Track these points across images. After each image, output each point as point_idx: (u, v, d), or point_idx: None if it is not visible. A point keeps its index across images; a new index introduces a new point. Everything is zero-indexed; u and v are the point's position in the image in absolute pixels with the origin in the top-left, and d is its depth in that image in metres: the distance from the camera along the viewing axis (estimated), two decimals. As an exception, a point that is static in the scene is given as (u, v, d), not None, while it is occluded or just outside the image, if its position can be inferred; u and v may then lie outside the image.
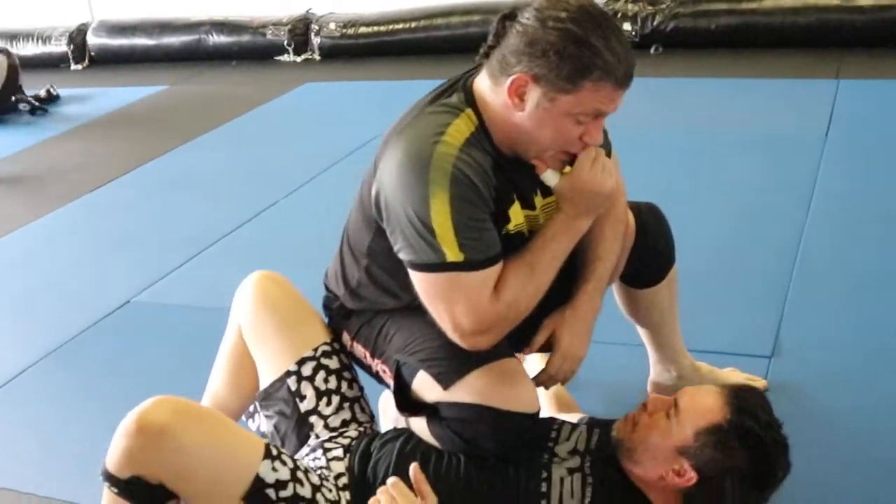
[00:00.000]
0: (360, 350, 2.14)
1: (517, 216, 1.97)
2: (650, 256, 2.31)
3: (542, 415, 2.07)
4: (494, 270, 1.87)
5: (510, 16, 1.85)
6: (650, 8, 6.23)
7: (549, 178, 1.93)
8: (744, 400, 1.92)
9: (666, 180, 3.96)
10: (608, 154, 2.09)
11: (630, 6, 6.27)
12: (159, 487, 1.78)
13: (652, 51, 6.18)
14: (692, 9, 6.13)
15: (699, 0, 6.14)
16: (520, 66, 1.80)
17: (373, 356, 2.10)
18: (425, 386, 1.95)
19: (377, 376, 2.14)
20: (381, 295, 2.08)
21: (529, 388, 1.94)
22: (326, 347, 2.16)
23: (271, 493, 1.82)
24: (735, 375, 2.57)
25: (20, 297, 3.74)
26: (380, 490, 1.83)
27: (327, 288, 2.22)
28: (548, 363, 2.09)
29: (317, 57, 7.14)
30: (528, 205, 1.99)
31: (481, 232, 1.86)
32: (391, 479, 1.84)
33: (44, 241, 4.29)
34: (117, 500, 1.82)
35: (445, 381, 1.91)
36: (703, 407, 1.90)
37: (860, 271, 3.18)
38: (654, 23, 6.19)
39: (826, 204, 3.68)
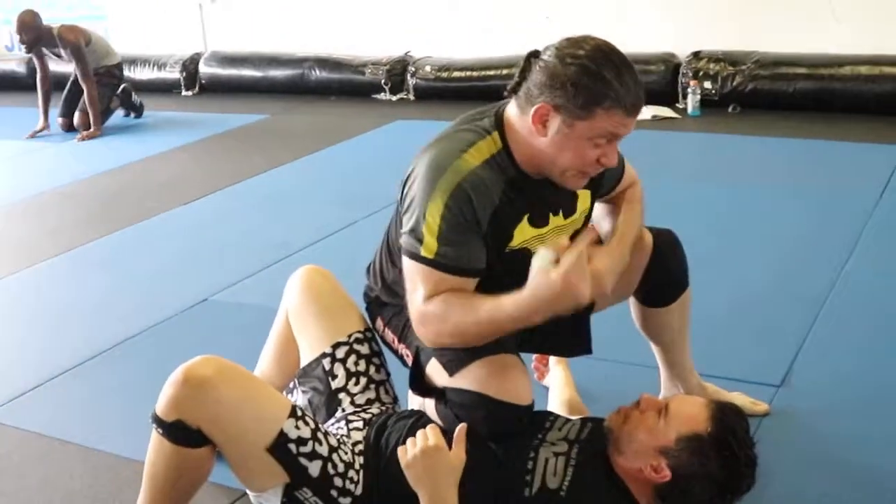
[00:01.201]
0: (389, 335, 2.43)
1: (522, 234, 2.22)
2: (663, 279, 2.55)
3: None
4: (459, 280, 2.13)
5: (535, 54, 2.14)
6: (731, 68, 6.44)
7: (541, 256, 2.04)
8: (726, 416, 2.12)
9: (719, 224, 4.20)
10: (621, 166, 2.37)
11: (711, 65, 6.49)
12: (197, 432, 2.06)
13: (730, 109, 6.39)
14: (771, 71, 6.33)
15: (779, 63, 6.33)
16: (542, 96, 2.07)
17: (399, 341, 2.39)
18: (436, 371, 2.22)
19: (402, 359, 2.41)
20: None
21: (524, 382, 2.18)
22: (359, 335, 2.45)
23: (293, 447, 2.09)
24: (739, 399, 2.74)
25: (119, 285, 4.16)
26: (419, 432, 2.07)
27: (368, 280, 2.51)
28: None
29: (411, 97, 7.52)
30: (539, 223, 2.24)
31: (460, 246, 2.12)
32: (429, 426, 2.09)
33: (144, 242, 4.72)
34: (162, 442, 2.10)
35: (451, 368, 2.18)
36: (688, 415, 2.11)
37: (884, 324, 3.34)
38: (734, 83, 6.41)
39: (864, 260, 3.87)
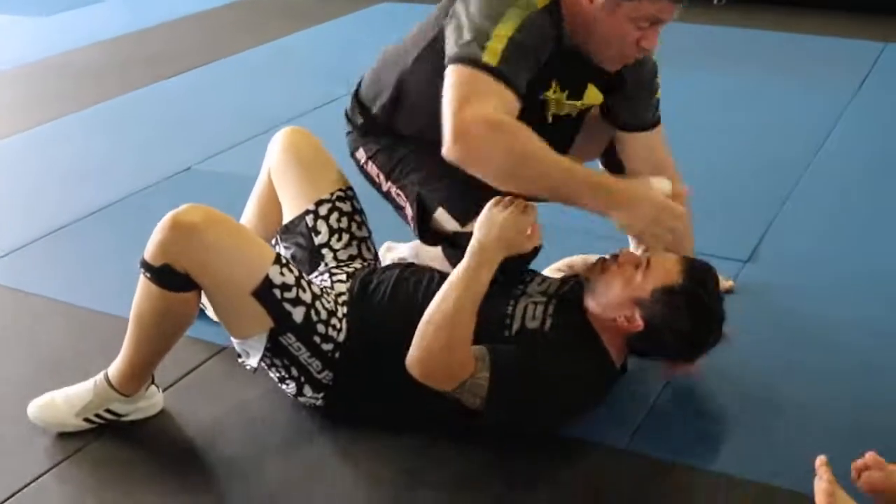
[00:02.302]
0: (373, 170, 2.48)
1: (551, 92, 2.27)
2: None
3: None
4: (511, 95, 2.07)
5: None
6: (718, -39, 6.41)
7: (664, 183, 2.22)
8: (699, 272, 2.23)
9: (696, 110, 4.26)
10: (654, 86, 2.45)
11: (699, -43, 6.46)
12: (184, 276, 2.12)
13: (715, 2, 6.37)
14: (758, -35, 6.31)
15: (765, -43, 6.31)
16: None
17: (387, 179, 2.44)
18: (445, 220, 2.29)
19: (387, 195, 2.47)
20: (407, 118, 2.40)
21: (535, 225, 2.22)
22: (341, 193, 2.52)
23: (277, 292, 2.15)
24: None
25: (102, 154, 4.19)
26: (516, 202, 2.09)
27: (359, 102, 2.51)
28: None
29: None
30: (573, 92, 2.30)
31: (520, 63, 2.09)
32: (533, 206, 2.10)
33: (128, 113, 4.75)
34: (149, 286, 2.16)
35: (463, 219, 2.24)
36: (665, 269, 2.20)
37: (854, 208, 3.46)
38: (721, -25, 6.39)
39: (839, 146, 3.97)
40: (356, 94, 2.55)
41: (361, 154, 2.51)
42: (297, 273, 2.21)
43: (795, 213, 3.41)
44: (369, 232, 2.56)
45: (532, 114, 2.21)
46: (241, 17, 6.65)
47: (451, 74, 2.08)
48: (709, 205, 3.34)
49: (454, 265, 2.16)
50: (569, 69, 2.28)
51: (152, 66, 5.44)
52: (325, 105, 4.56)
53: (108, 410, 2.30)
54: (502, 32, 2.08)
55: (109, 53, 5.79)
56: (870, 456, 1.78)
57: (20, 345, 2.77)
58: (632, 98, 2.47)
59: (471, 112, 2.00)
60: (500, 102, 2.04)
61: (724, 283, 2.83)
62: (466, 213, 2.24)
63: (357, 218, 2.53)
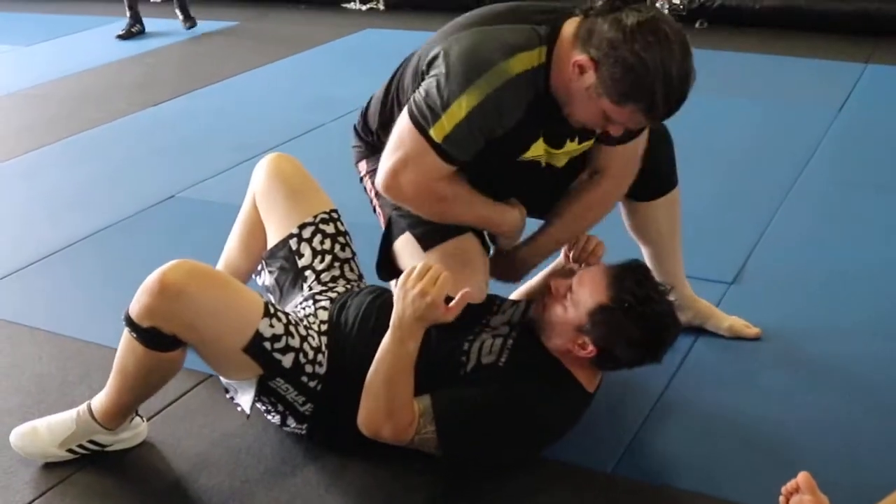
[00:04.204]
0: (368, 185, 2.51)
1: (536, 149, 2.26)
2: (649, 169, 2.49)
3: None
4: (446, 168, 2.18)
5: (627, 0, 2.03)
6: (700, -16, 6.48)
7: None
8: (621, 279, 2.17)
9: (679, 131, 4.25)
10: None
11: (680, -19, 6.52)
12: (172, 337, 2.08)
13: (697, 25, 6.44)
14: (739, -12, 6.36)
15: (747, -20, 6.37)
16: (595, 51, 2.01)
17: (377, 196, 2.46)
18: (405, 249, 2.33)
19: (374, 211, 2.52)
20: None
21: (478, 280, 2.30)
22: (325, 215, 2.52)
23: (267, 345, 2.13)
24: (735, 321, 2.75)
25: (86, 182, 4.18)
26: (434, 267, 2.06)
27: (365, 119, 2.51)
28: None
29: (381, 6, 7.47)
30: (554, 144, 2.28)
31: (468, 144, 2.16)
32: (444, 272, 2.06)
33: (113, 141, 4.74)
34: (134, 344, 2.12)
35: (426, 243, 2.29)
36: (589, 289, 2.18)
37: (837, 228, 3.46)
38: (702, -1, 6.45)
39: (822, 166, 3.98)
40: (364, 112, 2.55)
41: (363, 167, 2.54)
42: (285, 321, 2.19)
43: (779, 234, 3.41)
44: (353, 253, 2.56)
45: (524, 170, 2.27)
46: (223, 45, 6.67)
47: (403, 122, 2.20)
48: (693, 227, 3.34)
49: None
50: (561, 124, 2.24)
51: (136, 94, 5.45)
52: (310, 131, 4.57)
53: (91, 441, 2.29)
54: (457, 108, 2.10)
55: (92, 82, 5.80)
56: (802, 478, 1.75)
57: (4, 374, 2.74)
58: None
59: (404, 178, 2.21)
60: (433, 171, 2.19)
61: (750, 330, 2.75)
62: (429, 238, 2.28)
63: (341, 239, 2.53)
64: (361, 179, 2.56)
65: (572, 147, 2.30)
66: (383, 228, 2.45)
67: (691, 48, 2.04)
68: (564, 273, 2.40)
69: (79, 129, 4.86)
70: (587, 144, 2.35)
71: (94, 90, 5.61)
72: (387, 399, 2.09)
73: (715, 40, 6.10)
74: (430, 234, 2.31)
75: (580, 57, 2.04)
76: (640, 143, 2.41)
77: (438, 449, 2.14)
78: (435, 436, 2.12)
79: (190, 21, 6.91)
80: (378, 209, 2.50)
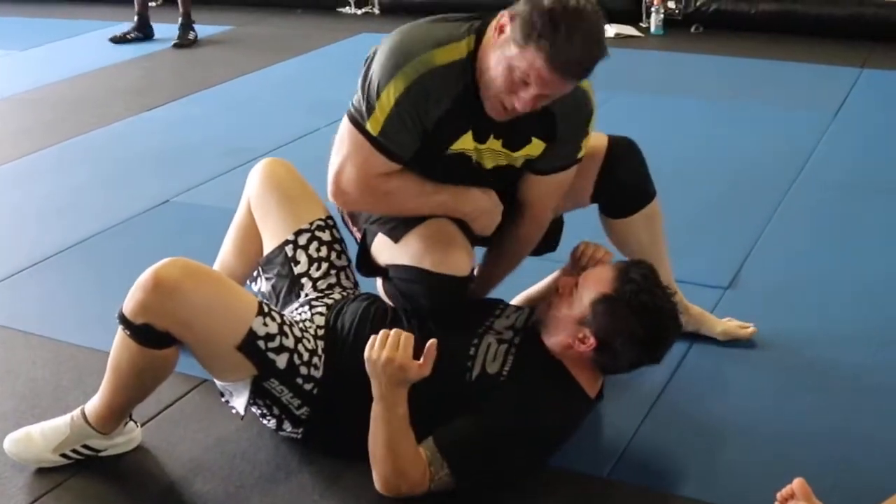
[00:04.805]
0: (345, 216, 2.52)
1: (463, 143, 2.24)
2: (619, 189, 2.49)
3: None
4: (386, 163, 2.20)
5: None
6: (695, -11, 6.48)
7: None
8: (629, 271, 2.19)
9: (675, 136, 4.28)
10: (573, 159, 2.35)
11: (676, -14, 6.53)
12: (165, 334, 2.09)
13: (692, 29, 6.44)
14: (735, -8, 6.37)
15: (742, -15, 6.37)
16: (515, 9, 2.05)
17: (353, 223, 2.49)
18: (380, 248, 2.33)
19: (354, 237, 2.53)
20: None
21: (461, 255, 2.26)
22: (321, 222, 2.52)
23: (261, 343, 2.13)
24: (728, 324, 2.76)
25: (80, 186, 4.17)
26: (393, 332, 2.07)
27: None
28: None
29: (376, 11, 7.48)
30: (480, 139, 2.25)
31: (402, 133, 2.17)
32: (404, 334, 2.07)
33: (107, 146, 4.72)
34: (128, 341, 2.12)
35: (395, 235, 2.29)
36: (595, 281, 2.19)
37: (833, 232, 3.46)
38: (698, 3, 6.45)
39: (818, 170, 3.98)
40: None
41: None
42: (279, 320, 2.19)
43: (775, 238, 3.41)
44: (349, 261, 2.55)
45: (455, 164, 2.26)
46: (219, 50, 6.66)
47: (343, 123, 2.26)
48: (688, 231, 3.36)
49: (393, 302, 2.33)
50: (487, 119, 2.21)
51: (130, 99, 5.44)
52: (305, 136, 4.56)
53: (85, 446, 2.28)
54: (385, 98, 2.13)
55: (87, 86, 5.78)
56: (797, 484, 1.74)
57: (-2, 379, 2.74)
58: (553, 149, 2.33)
59: (345, 177, 2.25)
60: (372, 166, 2.22)
61: (745, 330, 2.75)
62: (397, 230, 2.29)
63: (336, 247, 2.53)
64: (343, 219, 2.56)
65: (496, 146, 2.26)
66: (358, 247, 2.45)
67: (604, 18, 2.07)
68: (571, 273, 2.39)
69: (73, 133, 4.85)
70: (512, 156, 2.29)
71: (89, 95, 5.60)
72: (393, 461, 2.09)
73: (710, 45, 6.13)
74: (399, 227, 2.30)
75: (501, 14, 2.08)
76: (564, 180, 2.38)
77: (457, 486, 2.14)
78: (451, 478, 2.11)
79: (182, 41, 6.72)
80: (356, 235, 2.49)
